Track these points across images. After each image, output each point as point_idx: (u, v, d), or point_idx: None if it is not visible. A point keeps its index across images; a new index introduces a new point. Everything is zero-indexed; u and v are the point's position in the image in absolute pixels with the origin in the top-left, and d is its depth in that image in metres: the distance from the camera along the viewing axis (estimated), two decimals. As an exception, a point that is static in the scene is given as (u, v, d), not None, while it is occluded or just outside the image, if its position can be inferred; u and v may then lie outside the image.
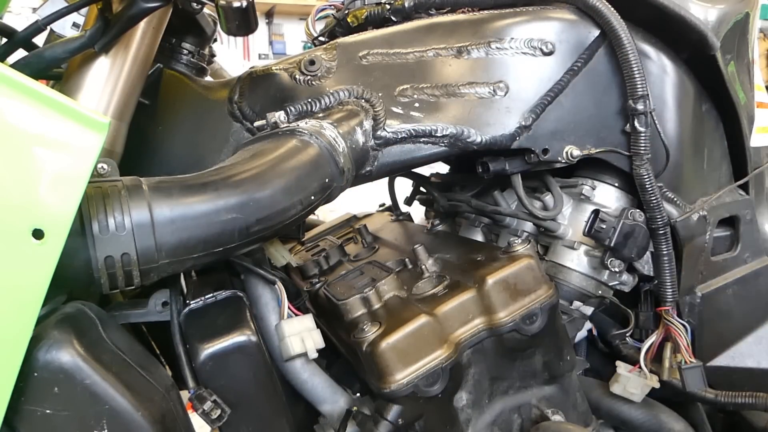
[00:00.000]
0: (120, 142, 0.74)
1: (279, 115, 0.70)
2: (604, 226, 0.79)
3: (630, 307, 0.90)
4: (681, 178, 0.86)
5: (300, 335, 0.72)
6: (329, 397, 0.77)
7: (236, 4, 0.64)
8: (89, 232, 0.51)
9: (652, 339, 0.84)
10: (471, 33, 0.78)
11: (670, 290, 0.82)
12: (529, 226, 0.90)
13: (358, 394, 0.83)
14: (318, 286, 0.85)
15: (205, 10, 0.91)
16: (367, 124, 0.73)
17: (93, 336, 0.57)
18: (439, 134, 0.75)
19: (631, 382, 0.84)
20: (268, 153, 0.63)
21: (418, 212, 1.20)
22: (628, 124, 0.79)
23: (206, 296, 0.72)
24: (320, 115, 0.74)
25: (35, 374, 0.50)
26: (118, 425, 0.54)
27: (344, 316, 0.75)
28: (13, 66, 0.69)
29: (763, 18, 4.09)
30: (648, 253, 0.84)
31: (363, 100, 0.75)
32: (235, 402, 0.67)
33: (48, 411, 0.51)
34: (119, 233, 0.51)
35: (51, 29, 0.78)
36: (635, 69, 0.76)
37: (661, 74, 0.83)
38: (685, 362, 0.81)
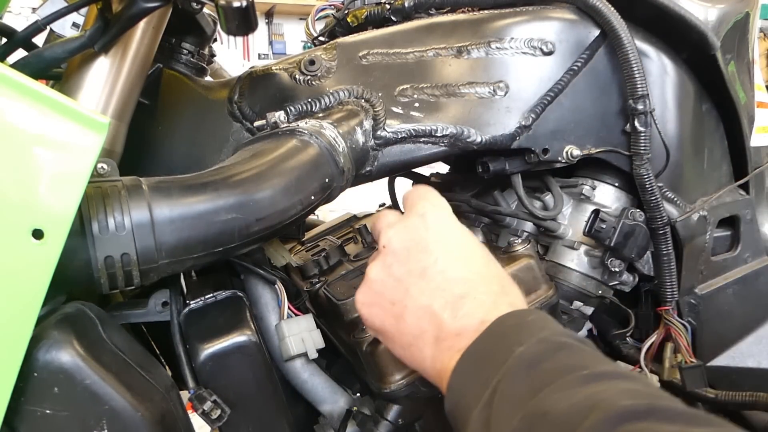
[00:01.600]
0: (120, 142, 0.74)
1: (279, 115, 0.70)
2: (604, 226, 0.79)
3: (630, 307, 0.89)
4: (681, 178, 0.86)
5: (300, 335, 0.72)
6: (329, 397, 0.77)
7: (236, 4, 0.64)
8: (89, 232, 0.51)
9: (652, 339, 0.84)
10: (471, 33, 0.78)
11: (670, 290, 0.82)
12: (529, 226, 0.90)
13: (358, 394, 0.83)
14: (318, 286, 0.85)
15: (205, 10, 0.91)
16: (367, 124, 0.73)
17: (93, 336, 0.57)
18: (439, 134, 0.75)
19: (632, 382, 0.84)
20: (268, 153, 0.63)
21: (418, 212, 1.20)
22: (628, 124, 0.79)
23: (206, 296, 0.72)
24: (320, 115, 0.74)
25: (35, 374, 0.50)
26: (118, 425, 0.54)
27: (344, 316, 0.75)
28: (13, 66, 0.69)
29: (763, 18, 4.09)
30: (648, 253, 0.84)
31: (363, 100, 0.75)
32: (235, 402, 0.67)
33: (48, 411, 0.51)
34: (119, 233, 0.51)
35: (51, 29, 0.78)
36: (635, 69, 0.76)
37: (661, 74, 0.83)
38: (686, 362, 0.81)
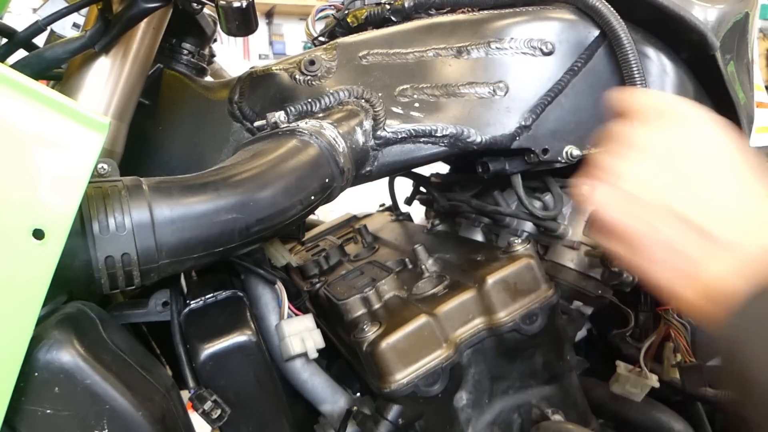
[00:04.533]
0: (120, 142, 0.74)
1: (279, 115, 0.70)
2: (604, 226, 0.79)
3: (630, 307, 0.89)
4: (681, 177, 0.85)
5: (300, 335, 0.72)
6: (329, 397, 0.77)
7: (236, 4, 0.64)
8: (89, 233, 0.51)
9: (652, 338, 0.84)
10: (471, 33, 0.78)
11: (670, 290, 0.82)
12: (529, 226, 0.90)
13: (358, 394, 0.83)
14: (318, 286, 0.85)
15: (205, 10, 0.91)
16: (367, 124, 0.74)
17: (93, 336, 0.57)
18: (439, 134, 0.75)
19: (631, 382, 0.84)
20: (268, 153, 0.63)
21: (418, 212, 1.20)
22: (627, 124, 0.79)
23: (206, 296, 0.72)
24: (320, 115, 0.74)
25: (36, 374, 0.51)
26: (119, 425, 0.54)
27: (344, 316, 0.75)
28: (14, 66, 0.69)
29: (762, 18, 4.09)
30: (648, 252, 0.84)
31: (363, 100, 0.75)
32: (235, 402, 0.67)
33: (48, 411, 0.51)
34: (119, 233, 0.51)
35: (51, 30, 0.78)
36: (635, 69, 0.76)
37: (660, 74, 0.83)
38: (685, 362, 0.81)
